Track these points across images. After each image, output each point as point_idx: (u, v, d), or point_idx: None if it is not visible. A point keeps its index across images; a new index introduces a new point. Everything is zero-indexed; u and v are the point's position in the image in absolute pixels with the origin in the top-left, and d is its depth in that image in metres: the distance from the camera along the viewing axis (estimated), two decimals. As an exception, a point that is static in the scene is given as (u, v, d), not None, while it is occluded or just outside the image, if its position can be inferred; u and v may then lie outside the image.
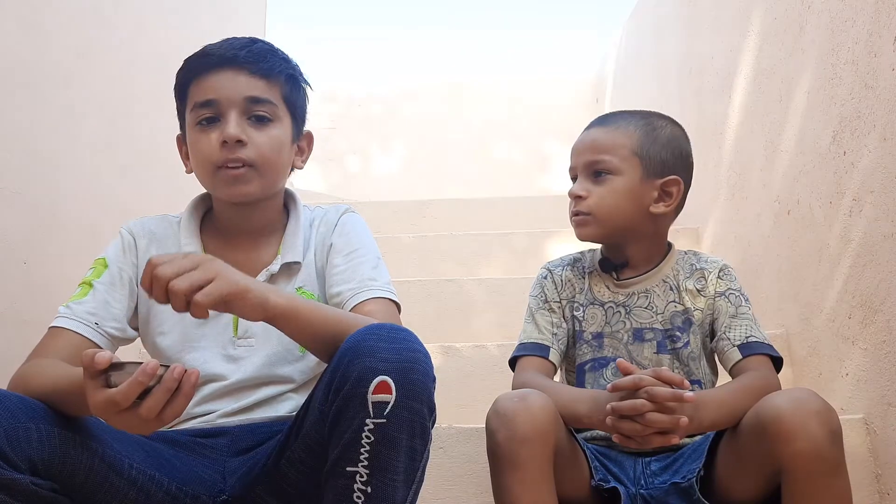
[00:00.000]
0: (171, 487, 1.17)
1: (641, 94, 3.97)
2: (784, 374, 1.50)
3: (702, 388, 1.46)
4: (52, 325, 1.29)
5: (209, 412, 1.31)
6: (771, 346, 1.45)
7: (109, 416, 1.00)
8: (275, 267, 1.35)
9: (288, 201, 1.44)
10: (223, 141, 1.29)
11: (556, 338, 1.51)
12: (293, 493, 1.18)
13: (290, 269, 1.37)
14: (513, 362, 1.53)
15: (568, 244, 2.58)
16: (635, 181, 1.47)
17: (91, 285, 1.32)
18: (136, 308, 1.36)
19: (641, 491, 1.36)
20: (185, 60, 1.36)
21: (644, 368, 1.44)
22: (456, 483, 1.62)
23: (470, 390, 2.17)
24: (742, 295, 1.50)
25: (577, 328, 1.52)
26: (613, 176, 1.47)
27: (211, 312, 1.06)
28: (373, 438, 1.03)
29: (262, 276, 1.34)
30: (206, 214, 1.43)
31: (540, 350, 1.50)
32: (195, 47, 1.37)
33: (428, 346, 2.09)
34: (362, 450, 1.03)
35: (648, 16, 3.83)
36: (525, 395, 1.27)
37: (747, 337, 1.45)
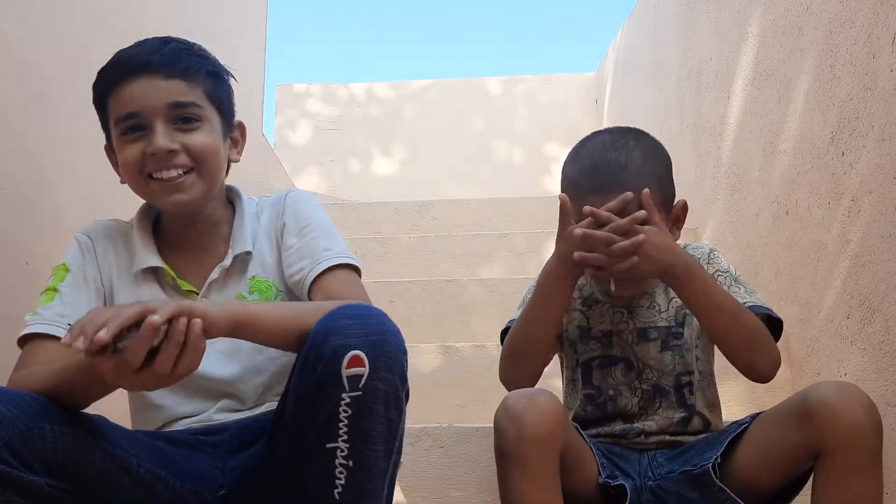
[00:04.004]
0: (175, 485, 1.18)
1: (640, 95, 3.97)
2: (783, 375, 1.51)
3: (694, 377, 1.46)
4: (23, 333, 1.26)
5: (202, 410, 1.32)
6: (769, 309, 1.44)
7: (124, 378, 1.01)
8: (227, 262, 1.35)
9: (232, 196, 1.43)
10: (151, 153, 1.27)
11: None
12: (285, 483, 1.18)
13: (243, 260, 1.36)
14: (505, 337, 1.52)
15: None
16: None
17: (56, 290, 1.31)
18: (105, 307, 1.34)
19: (649, 483, 1.36)
20: (99, 72, 1.31)
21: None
22: (456, 483, 1.62)
23: (470, 390, 2.18)
24: (731, 275, 1.48)
25: (585, 324, 1.51)
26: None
27: None
28: (350, 412, 1.03)
29: (216, 272, 1.34)
30: (158, 218, 1.42)
31: None
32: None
33: (428, 346, 2.12)
34: (341, 424, 1.03)
35: (648, 17, 3.84)
36: (534, 394, 1.27)
37: (742, 303, 1.42)
